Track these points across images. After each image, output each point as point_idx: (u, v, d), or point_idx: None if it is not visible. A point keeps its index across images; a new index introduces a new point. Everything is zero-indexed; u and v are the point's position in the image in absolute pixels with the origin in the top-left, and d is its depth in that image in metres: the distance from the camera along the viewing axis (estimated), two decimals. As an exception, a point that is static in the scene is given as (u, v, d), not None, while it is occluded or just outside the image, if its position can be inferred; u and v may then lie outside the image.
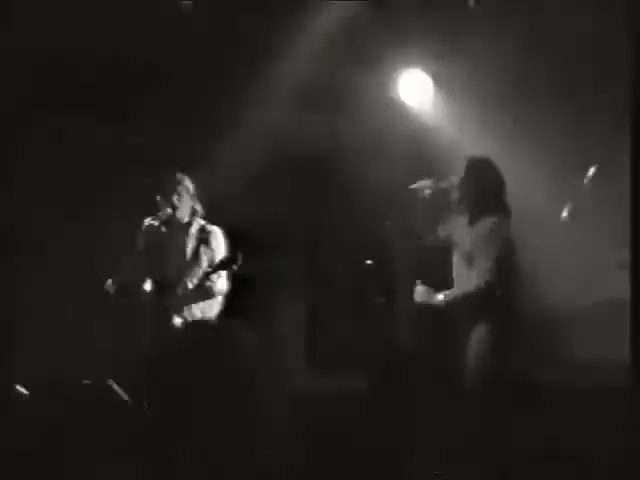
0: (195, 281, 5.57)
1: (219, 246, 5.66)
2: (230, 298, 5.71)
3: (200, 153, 7.11)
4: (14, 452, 3.39)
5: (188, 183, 5.67)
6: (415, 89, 7.65)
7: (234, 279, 5.64)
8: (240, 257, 5.32)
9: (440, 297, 5.09)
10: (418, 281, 5.20)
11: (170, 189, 5.61)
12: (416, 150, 7.64)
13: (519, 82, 7.05)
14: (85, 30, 6.66)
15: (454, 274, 5.26)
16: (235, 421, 2.27)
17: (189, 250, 5.61)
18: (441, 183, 5.27)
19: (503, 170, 5.57)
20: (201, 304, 5.58)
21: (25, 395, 3.95)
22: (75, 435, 3.61)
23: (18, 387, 3.90)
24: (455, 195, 5.23)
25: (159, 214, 5.60)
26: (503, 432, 2.77)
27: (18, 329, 3.67)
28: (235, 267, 5.37)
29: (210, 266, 5.52)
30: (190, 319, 5.53)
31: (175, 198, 5.61)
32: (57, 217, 6.89)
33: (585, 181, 5.59)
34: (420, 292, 5.16)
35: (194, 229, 5.67)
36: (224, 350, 2.34)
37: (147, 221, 5.66)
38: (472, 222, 5.18)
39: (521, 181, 6.43)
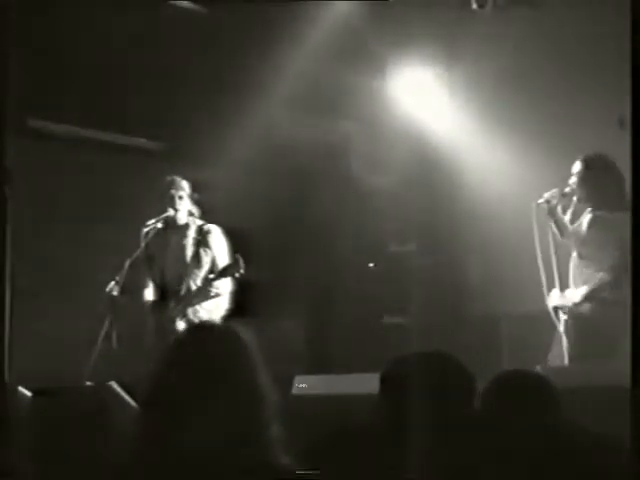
0: (198, 283, 5.58)
1: (219, 245, 5.67)
2: (234, 299, 5.73)
3: (199, 154, 7.13)
4: (15, 453, 3.40)
5: (185, 185, 5.68)
6: (416, 91, 7.68)
7: (237, 281, 5.65)
8: (242, 262, 5.34)
9: (573, 298, 5.35)
10: (554, 288, 5.41)
11: (169, 191, 5.63)
12: (418, 150, 7.66)
13: (520, 83, 7.07)
14: (83, 30, 6.69)
15: (571, 273, 5.48)
16: (236, 422, 2.27)
17: (189, 252, 5.62)
18: (564, 190, 5.51)
19: (503, 170, 5.66)
20: (207, 306, 5.58)
21: (28, 397, 3.95)
22: (76, 437, 3.61)
23: (20, 389, 3.91)
24: (577, 196, 5.50)
25: (160, 216, 5.62)
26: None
27: (20, 330, 3.67)
28: (238, 273, 5.39)
29: (212, 271, 5.54)
30: (196, 321, 5.53)
31: (175, 200, 5.62)
32: (58, 218, 6.90)
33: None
34: (555, 296, 5.40)
35: (192, 230, 5.68)
36: (224, 351, 2.34)
37: (149, 223, 5.67)
38: (594, 219, 5.42)
39: (521, 180, 6.46)
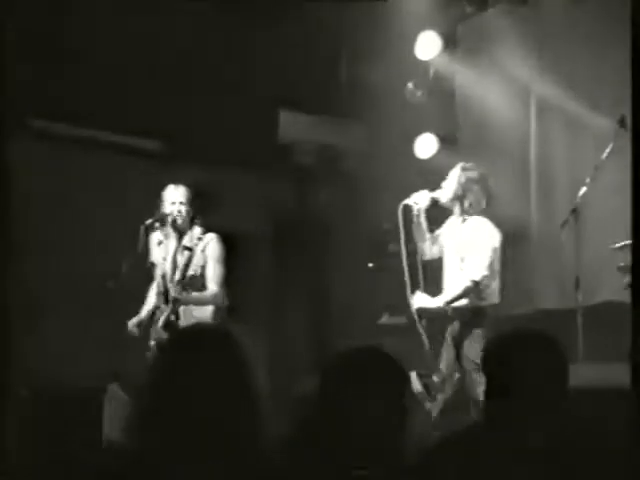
0: (193, 287, 5.56)
1: (215, 253, 5.64)
2: (230, 301, 5.73)
3: (199, 154, 7.13)
4: (16, 453, 3.40)
5: (183, 190, 5.67)
6: (419, 88, 7.68)
7: (236, 282, 5.65)
8: (226, 298, 5.36)
9: (437, 302, 5.28)
10: (417, 290, 5.38)
11: (167, 195, 5.62)
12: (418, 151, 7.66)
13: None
14: (85, 30, 6.69)
15: (445, 277, 5.45)
16: (236, 422, 2.27)
17: (185, 255, 5.60)
18: (434, 193, 5.44)
19: (504, 170, 5.65)
20: (201, 308, 5.57)
21: (27, 396, 3.96)
22: (76, 435, 3.62)
23: (20, 388, 3.92)
24: (446, 201, 5.42)
25: (158, 218, 5.60)
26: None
27: (19, 330, 3.68)
28: (222, 305, 5.43)
29: (202, 274, 5.54)
30: (190, 323, 5.53)
31: (172, 204, 5.61)
32: (57, 218, 6.89)
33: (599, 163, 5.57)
34: (419, 298, 5.34)
35: (190, 235, 5.66)
36: (223, 352, 2.34)
37: (147, 223, 5.65)
38: (462, 223, 5.38)
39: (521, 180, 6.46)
